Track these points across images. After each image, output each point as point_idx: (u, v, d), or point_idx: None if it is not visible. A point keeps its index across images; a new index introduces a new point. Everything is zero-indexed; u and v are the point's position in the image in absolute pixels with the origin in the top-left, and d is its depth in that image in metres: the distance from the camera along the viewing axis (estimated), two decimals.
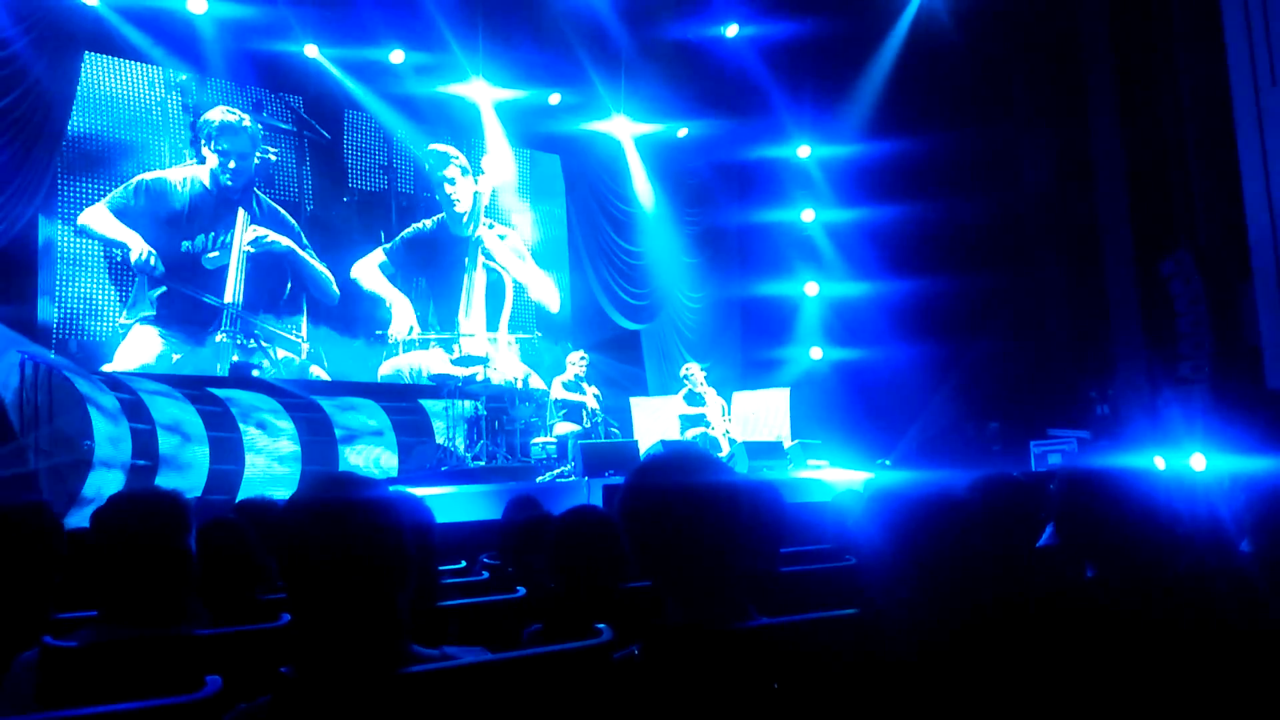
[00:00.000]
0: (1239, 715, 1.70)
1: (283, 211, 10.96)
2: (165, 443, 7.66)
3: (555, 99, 12.54)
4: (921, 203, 11.42)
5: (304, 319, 10.93)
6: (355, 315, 11.42)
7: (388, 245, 11.88)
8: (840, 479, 9.62)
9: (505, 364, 12.07)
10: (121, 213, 9.82)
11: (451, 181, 12.48)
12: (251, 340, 10.35)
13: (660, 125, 13.32)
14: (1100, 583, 2.02)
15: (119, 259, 9.73)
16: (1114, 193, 10.17)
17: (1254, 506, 2.17)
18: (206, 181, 10.41)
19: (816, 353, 13.47)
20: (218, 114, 10.57)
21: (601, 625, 1.75)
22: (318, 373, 10.89)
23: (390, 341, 11.54)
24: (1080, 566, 2.10)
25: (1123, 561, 1.97)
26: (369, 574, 1.55)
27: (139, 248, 9.78)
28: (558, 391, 10.67)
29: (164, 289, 9.91)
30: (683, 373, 11.47)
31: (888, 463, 11.16)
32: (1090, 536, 2.05)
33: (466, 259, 12.52)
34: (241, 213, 10.58)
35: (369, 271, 11.69)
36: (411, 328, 11.68)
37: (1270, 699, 1.70)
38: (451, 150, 12.54)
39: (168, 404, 8.03)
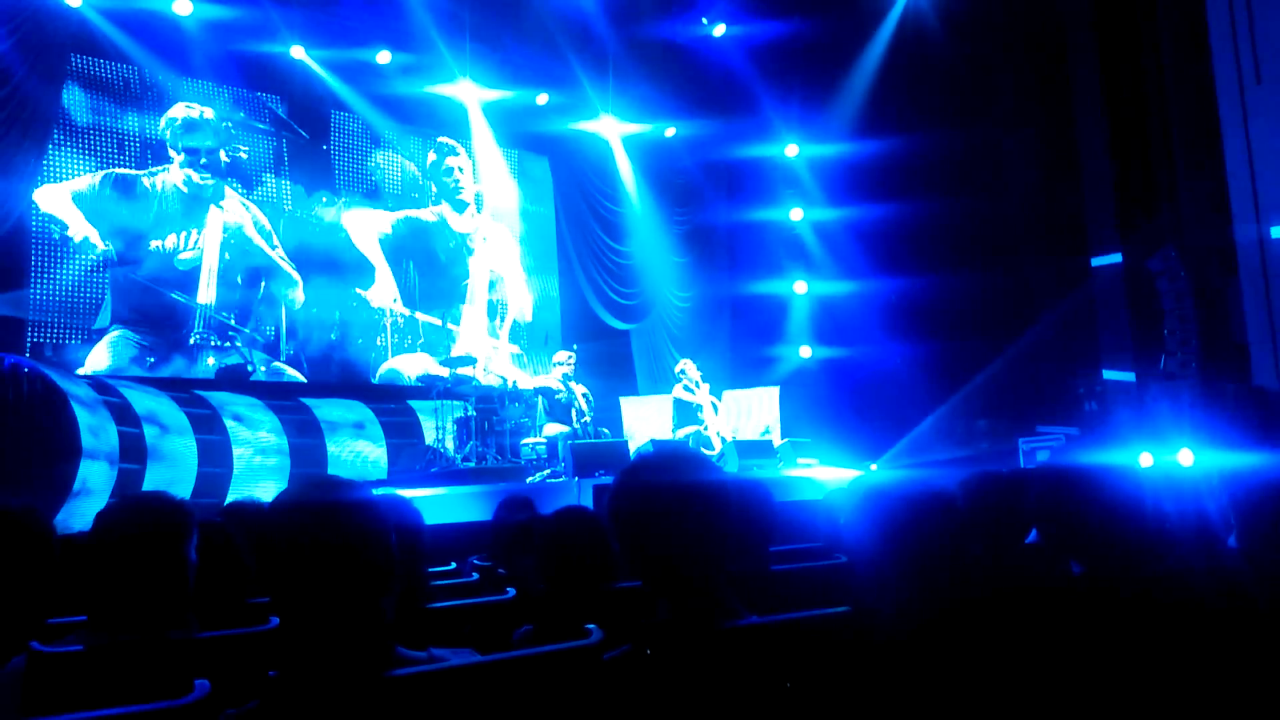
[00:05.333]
0: (1226, 710, 1.71)
1: (256, 211, 10.89)
2: (146, 434, 7.65)
3: (543, 99, 12.54)
4: (909, 201, 11.44)
5: (281, 321, 10.88)
6: (333, 272, 11.43)
7: (395, 221, 11.88)
8: (830, 477, 9.64)
9: (499, 365, 12.08)
10: (84, 200, 9.67)
11: (449, 172, 12.51)
12: (227, 342, 10.28)
13: (648, 125, 13.32)
14: (1087, 579, 2.02)
15: (57, 239, 9.47)
16: (1100, 190, 10.21)
17: (1240, 502, 2.17)
18: (177, 181, 10.34)
19: (805, 351, 13.49)
20: (180, 111, 10.47)
21: (591, 626, 1.75)
22: (295, 374, 10.85)
23: (374, 305, 11.56)
24: (1068, 563, 2.11)
25: (1104, 558, 1.98)
26: (352, 575, 1.55)
27: (79, 228, 9.57)
28: (537, 382, 10.70)
29: (132, 292, 9.84)
30: (678, 368, 11.51)
31: (875, 467, 11.18)
32: (1070, 533, 2.05)
33: (467, 256, 12.53)
34: (213, 210, 10.51)
35: (366, 236, 11.69)
36: (395, 299, 11.69)
37: (1257, 694, 1.71)
38: (454, 144, 12.56)
39: (143, 397, 8.01)
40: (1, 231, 8.69)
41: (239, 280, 10.58)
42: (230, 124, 10.78)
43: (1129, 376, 9.73)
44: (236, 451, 8.52)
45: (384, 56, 11.15)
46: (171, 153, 10.36)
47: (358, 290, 11.52)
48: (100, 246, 9.65)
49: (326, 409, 9.77)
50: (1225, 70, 8.45)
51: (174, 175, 10.34)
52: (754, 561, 2.90)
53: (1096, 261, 10.17)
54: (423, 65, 11.35)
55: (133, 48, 9.80)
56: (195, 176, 10.44)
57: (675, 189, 14.09)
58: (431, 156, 12.53)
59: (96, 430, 7.07)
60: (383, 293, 11.67)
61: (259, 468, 8.66)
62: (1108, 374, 10.21)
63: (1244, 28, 8.28)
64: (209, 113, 10.63)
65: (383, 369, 11.58)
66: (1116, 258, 9.80)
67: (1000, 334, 11.16)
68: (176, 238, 10.22)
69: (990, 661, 1.72)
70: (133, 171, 10.07)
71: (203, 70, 10.30)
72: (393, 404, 10.67)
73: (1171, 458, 6.91)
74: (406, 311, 11.85)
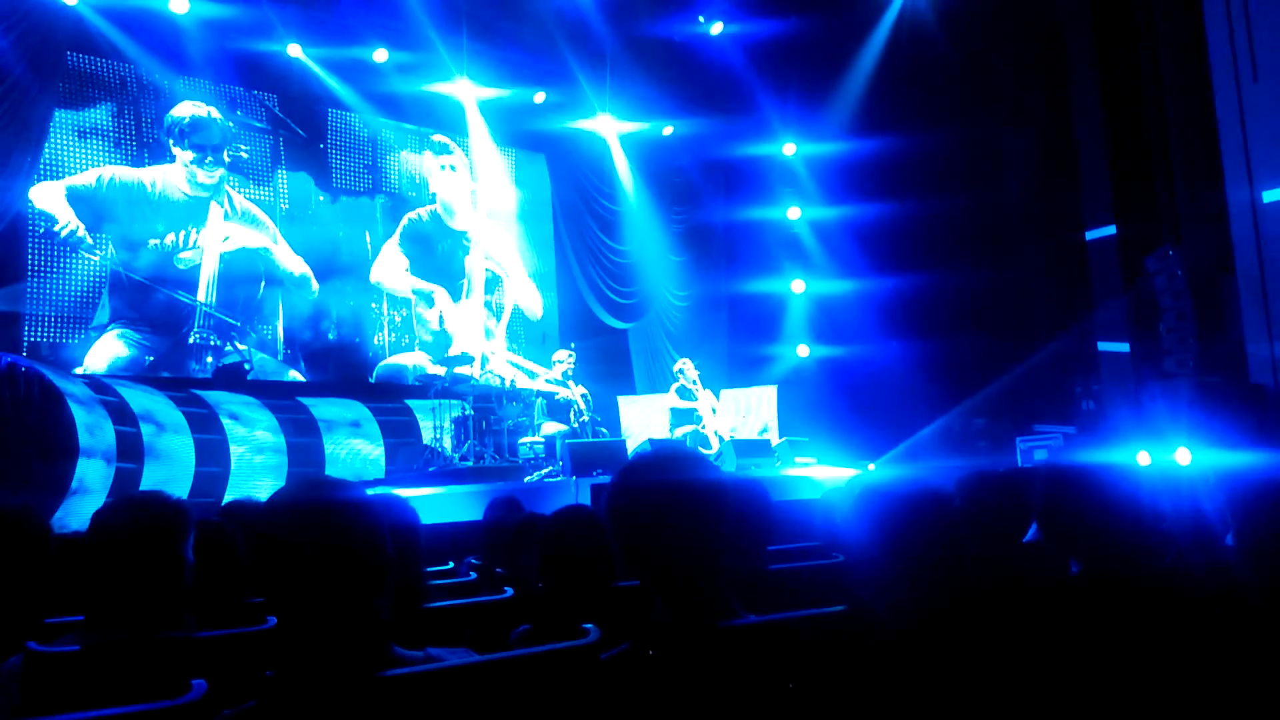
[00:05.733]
0: (1222, 706, 1.71)
1: (256, 210, 10.89)
2: (143, 432, 7.65)
3: (540, 98, 12.53)
4: (907, 200, 11.44)
5: (280, 320, 10.86)
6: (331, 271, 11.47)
7: (402, 245, 11.90)
8: (828, 476, 9.64)
9: (497, 364, 12.08)
10: (81, 198, 9.66)
11: (443, 169, 12.53)
12: (228, 343, 10.27)
13: (646, 123, 13.31)
14: (1085, 578, 2.02)
15: (60, 243, 9.48)
16: (1098, 189, 10.21)
17: (1237, 501, 2.18)
18: (177, 180, 10.33)
19: (803, 350, 13.49)
20: (186, 109, 10.47)
21: (589, 625, 1.75)
22: (294, 374, 10.85)
23: (436, 328, 11.83)
24: (1065, 562, 2.11)
25: (1107, 556, 1.98)
26: (346, 575, 1.55)
27: (66, 219, 9.53)
28: (541, 385, 10.70)
29: (131, 291, 9.83)
30: (676, 368, 11.50)
31: (873, 467, 11.19)
32: (1072, 532, 2.06)
33: (464, 254, 12.55)
34: (214, 209, 10.51)
35: (396, 276, 11.75)
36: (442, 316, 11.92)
37: (1253, 691, 1.71)
38: (451, 143, 12.57)
39: (139, 395, 8.01)
40: (2, 225, 8.69)
41: (238, 279, 10.57)
42: (232, 123, 10.78)
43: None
44: (234, 450, 8.51)
45: (381, 55, 11.14)
46: (176, 150, 10.36)
47: (420, 311, 11.87)
48: (88, 240, 9.62)
49: (323, 407, 9.76)
50: (1222, 68, 8.46)
51: (176, 173, 10.34)
52: (752, 561, 2.90)
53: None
54: (420, 64, 11.34)
55: (129, 46, 9.78)
56: (200, 175, 10.44)
57: (673, 187, 14.08)
58: (428, 155, 12.53)
59: (93, 428, 7.07)
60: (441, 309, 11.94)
61: (256, 466, 8.65)
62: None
63: (1241, 26, 8.29)
64: (215, 112, 10.64)
65: (382, 364, 11.60)
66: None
67: (998, 332, 11.17)
68: (176, 236, 10.21)
69: (986, 659, 1.72)
70: (133, 170, 10.06)
71: (199, 68, 10.28)
72: (390, 403, 10.66)
73: (1169, 457, 6.92)
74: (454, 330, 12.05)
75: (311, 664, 1.53)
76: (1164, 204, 9.46)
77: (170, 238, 10.17)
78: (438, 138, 12.56)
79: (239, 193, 10.78)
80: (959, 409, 11.36)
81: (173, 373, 9.84)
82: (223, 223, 10.55)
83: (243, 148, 10.87)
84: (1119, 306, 9.92)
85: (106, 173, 9.90)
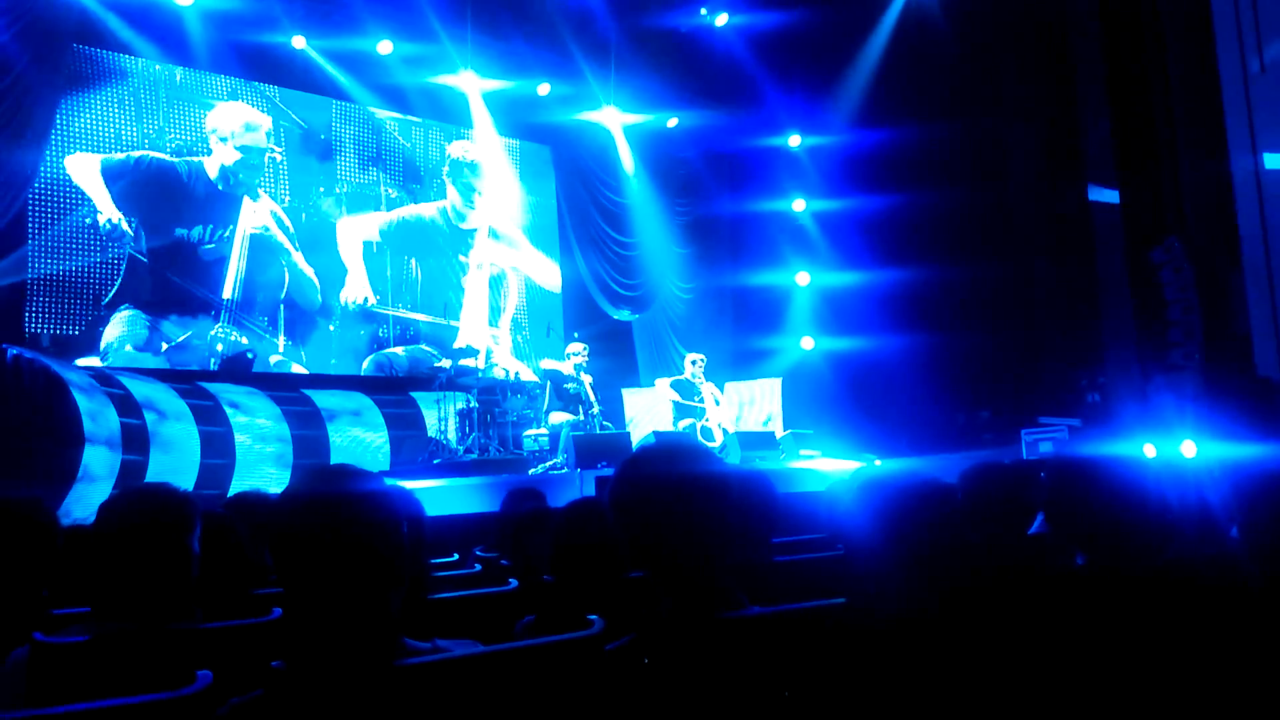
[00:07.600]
0: (1227, 699, 1.71)
1: (280, 211, 10.93)
2: (146, 420, 7.67)
3: (545, 89, 12.52)
4: (912, 192, 11.42)
5: (282, 315, 10.89)
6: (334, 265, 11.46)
7: (384, 225, 11.86)
8: (832, 469, 9.64)
9: (501, 357, 12.09)
10: (113, 176, 9.72)
11: (450, 163, 12.53)
12: (244, 335, 10.30)
13: (650, 115, 13.29)
14: (1090, 570, 2.03)
15: (89, 224, 9.52)
16: (1103, 181, 10.18)
17: (1243, 493, 2.17)
18: (212, 174, 10.41)
19: (808, 342, 13.49)
20: (240, 112, 10.64)
21: (593, 616, 1.75)
22: (297, 369, 10.88)
23: (348, 305, 11.46)
24: (1070, 554, 2.11)
25: (1112, 549, 1.98)
26: (365, 567, 1.55)
27: (108, 211, 9.63)
28: (549, 364, 10.67)
29: (150, 276, 9.85)
30: (689, 359, 11.49)
31: (878, 461, 11.17)
32: (1080, 524, 2.06)
33: (469, 248, 12.55)
34: (246, 205, 10.58)
35: (350, 243, 11.62)
36: (366, 298, 11.58)
37: (1258, 685, 1.71)
38: (457, 136, 12.57)
39: (139, 385, 8.04)
40: (3, 223, 8.70)
41: (261, 277, 10.64)
42: (270, 128, 10.88)
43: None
44: (238, 439, 8.53)
45: (385, 47, 11.13)
46: (218, 146, 10.42)
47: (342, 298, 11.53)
48: (129, 232, 9.73)
49: (326, 398, 9.79)
50: (1229, 59, 8.42)
51: (210, 167, 10.41)
52: (756, 553, 2.91)
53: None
54: (424, 56, 11.33)
55: (134, 38, 9.80)
56: (236, 174, 10.54)
57: (677, 180, 14.07)
58: (432, 148, 12.52)
59: (95, 415, 7.11)
60: (354, 291, 11.56)
61: (260, 455, 8.67)
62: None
63: (1248, 17, 8.25)
64: (267, 121, 10.80)
65: (370, 357, 11.57)
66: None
67: (1003, 325, 11.15)
68: (203, 229, 10.26)
69: (989, 652, 1.72)
70: (165, 157, 10.13)
71: (203, 61, 10.28)
72: (394, 395, 10.67)
73: (1175, 449, 6.91)
74: (375, 303, 11.84)
75: (323, 654, 1.53)
76: (1170, 196, 9.43)
77: (196, 229, 10.23)
78: (442, 130, 12.54)
79: (269, 194, 10.88)
80: (964, 401, 11.35)
81: (185, 362, 9.87)
82: (251, 221, 10.65)
83: (278, 150, 10.92)
84: (1125, 299, 9.89)
85: (142, 155, 9.97)
